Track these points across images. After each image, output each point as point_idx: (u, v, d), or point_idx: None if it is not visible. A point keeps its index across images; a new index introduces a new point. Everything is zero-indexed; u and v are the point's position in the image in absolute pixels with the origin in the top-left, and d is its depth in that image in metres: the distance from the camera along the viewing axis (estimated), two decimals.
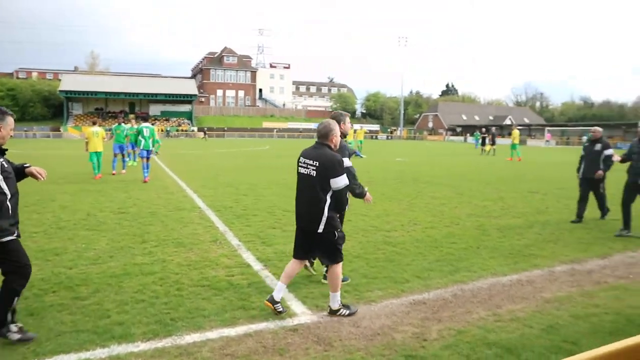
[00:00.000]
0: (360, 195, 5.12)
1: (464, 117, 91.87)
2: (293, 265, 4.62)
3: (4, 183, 3.79)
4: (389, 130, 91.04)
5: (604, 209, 9.33)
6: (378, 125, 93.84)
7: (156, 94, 77.67)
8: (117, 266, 5.83)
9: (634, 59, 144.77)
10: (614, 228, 8.43)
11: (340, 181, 4.34)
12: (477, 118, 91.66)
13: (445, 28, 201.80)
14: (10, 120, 3.93)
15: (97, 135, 15.47)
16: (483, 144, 35.49)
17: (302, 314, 4.48)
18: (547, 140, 63.51)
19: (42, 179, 4.10)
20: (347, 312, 4.44)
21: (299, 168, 4.52)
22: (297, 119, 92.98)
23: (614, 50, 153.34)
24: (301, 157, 4.51)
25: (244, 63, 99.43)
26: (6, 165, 3.88)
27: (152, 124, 17.21)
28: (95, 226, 8.07)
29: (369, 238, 7.49)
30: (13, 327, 3.87)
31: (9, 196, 3.81)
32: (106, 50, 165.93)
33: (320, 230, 4.34)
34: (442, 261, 6.18)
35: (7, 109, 3.97)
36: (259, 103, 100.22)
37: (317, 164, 4.34)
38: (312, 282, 5.34)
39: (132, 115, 20.95)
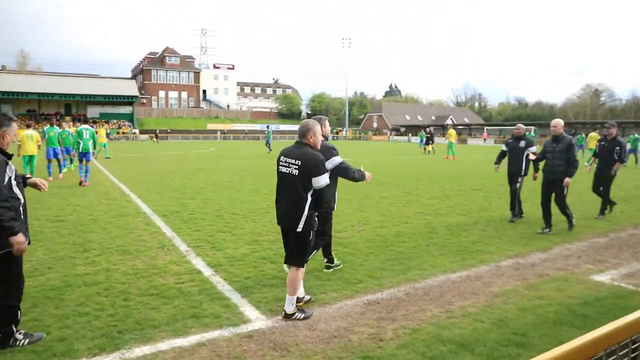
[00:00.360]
0: (361, 177, 5.41)
1: (408, 117, 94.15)
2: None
3: (17, 188, 3.75)
4: (334, 130, 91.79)
5: (514, 209, 9.19)
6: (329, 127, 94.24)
7: (94, 95, 74.34)
8: (57, 278, 5.49)
9: (567, 62, 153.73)
10: (553, 223, 8.86)
11: (322, 180, 4.37)
12: (420, 118, 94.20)
13: (387, 29, 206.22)
14: (14, 126, 3.97)
15: (31, 138, 14.63)
16: (427, 143, 36.54)
17: (256, 319, 4.39)
18: (484, 139, 66.21)
19: (45, 189, 4.25)
20: (302, 315, 4.39)
21: (280, 167, 4.49)
22: (243, 121, 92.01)
23: (549, 52, 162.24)
24: (282, 157, 4.50)
25: (186, 63, 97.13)
26: (17, 171, 3.85)
27: (91, 126, 16.59)
28: (30, 236, 7.55)
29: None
30: (18, 335, 3.91)
31: (22, 201, 3.79)
32: (37, 48, 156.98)
33: (299, 229, 4.36)
34: (393, 260, 6.26)
35: (11, 114, 3.94)
36: (203, 104, 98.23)
37: (300, 163, 4.35)
38: (266, 287, 5.25)
39: (68, 118, 20.09)
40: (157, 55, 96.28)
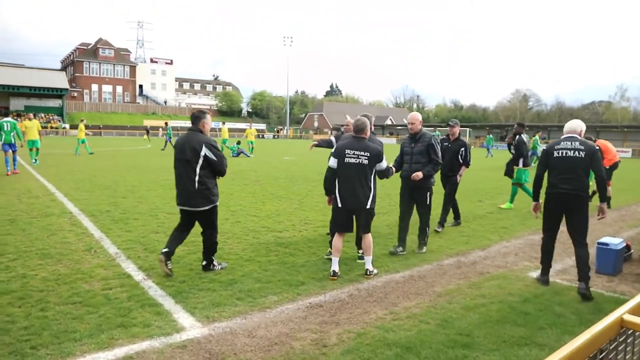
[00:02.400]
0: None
1: (348, 117, 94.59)
2: (339, 240, 5.51)
3: None
4: (275, 129, 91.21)
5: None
6: (264, 125, 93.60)
7: (18, 87, 69.24)
8: None
9: (498, 66, 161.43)
10: (490, 222, 9.08)
11: (384, 164, 5.52)
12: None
13: (329, 28, 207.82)
14: None
15: None
16: None
17: (191, 327, 4.07)
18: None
19: None
20: (375, 271, 5.62)
21: (348, 159, 5.35)
22: (181, 117, 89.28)
23: (481, 56, 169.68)
24: (347, 150, 5.37)
25: (121, 57, 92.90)
26: None
27: (16, 119, 16.55)
28: None
29: (260, 239, 7.21)
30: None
31: None
32: None
33: (368, 206, 5.41)
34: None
35: None
36: (139, 100, 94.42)
37: (369, 154, 5.33)
38: (202, 290, 4.92)
39: None
40: (89, 47, 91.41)
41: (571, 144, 5.09)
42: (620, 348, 1.39)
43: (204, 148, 5.30)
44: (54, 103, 74.69)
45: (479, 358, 3.53)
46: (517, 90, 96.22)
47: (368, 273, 5.45)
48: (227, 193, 11.81)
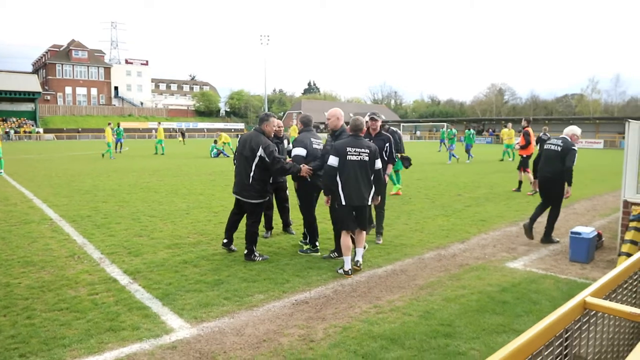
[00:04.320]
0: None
1: (326, 115, 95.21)
2: (347, 238, 5.57)
3: None
4: (253, 128, 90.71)
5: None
6: (243, 124, 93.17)
7: None
8: None
9: (474, 62, 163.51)
10: (469, 215, 9.31)
11: (379, 163, 5.69)
12: None
13: (305, 26, 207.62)
14: None
15: None
16: None
17: (180, 328, 4.13)
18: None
19: None
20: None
21: (350, 156, 5.49)
22: (158, 119, 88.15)
23: (458, 53, 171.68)
24: (348, 147, 5.50)
25: (95, 58, 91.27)
26: None
27: None
28: None
29: (243, 239, 7.26)
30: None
31: None
32: None
33: (369, 202, 5.63)
34: (319, 258, 6.21)
35: None
36: (114, 102, 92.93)
37: (368, 151, 5.55)
38: (189, 292, 4.98)
39: None
40: (62, 49, 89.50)
41: (556, 141, 7.08)
42: (584, 328, 1.53)
43: (260, 149, 5.98)
44: (27, 107, 73.06)
45: (460, 346, 3.68)
46: (493, 85, 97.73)
47: (358, 265, 5.59)
48: (208, 194, 11.82)
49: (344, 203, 5.52)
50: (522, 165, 12.81)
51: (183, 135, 56.69)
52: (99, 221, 8.57)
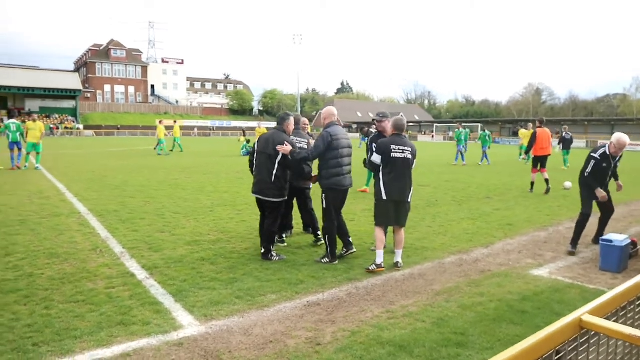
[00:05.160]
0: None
1: (359, 114, 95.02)
2: (382, 232, 5.77)
3: None
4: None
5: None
6: (275, 122, 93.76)
7: (33, 88, 70.35)
8: None
9: (512, 60, 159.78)
10: (496, 219, 9.03)
11: (415, 161, 5.93)
12: (371, 115, 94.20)
13: (340, 26, 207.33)
14: None
15: None
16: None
17: (189, 325, 4.13)
18: (432, 136, 67.91)
19: None
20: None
21: (394, 154, 5.65)
22: (193, 117, 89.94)
23: (494, 52, 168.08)
24: (392, 145, 5.67)
25: (133, 57, 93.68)
26: None
27: (23, 121, 18.34)
28: None
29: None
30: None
31: None
32: None
33: (409, 199, 5.81)
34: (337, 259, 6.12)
35: None
36: (151, 99, 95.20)
37: (411, 149, 5.76)
38: (202, 289, 4.98)
39: (3, 112, 20.28)
40: (101, 48, 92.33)
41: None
42: (580, 350, 1.40)
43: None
44: (68, 104, 75.73)
45: (472, 357, 3.53)
46: (530, 85, 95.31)
47: (399, 265, 5.76)
48: (233, 192, 11.90)
49: (384, 198, 5.67)
50: (534, 166, 12.99)
51: (244, 133, 56.56)
52: (125, 216, 8.73)
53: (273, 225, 6.17)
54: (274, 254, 6.12)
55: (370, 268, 5.63)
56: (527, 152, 13.76)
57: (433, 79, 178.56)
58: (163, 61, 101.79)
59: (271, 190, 6.05)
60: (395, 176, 5.67)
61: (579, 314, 1.39)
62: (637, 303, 1.64)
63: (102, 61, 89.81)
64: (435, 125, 74.28)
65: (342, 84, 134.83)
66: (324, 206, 6.10)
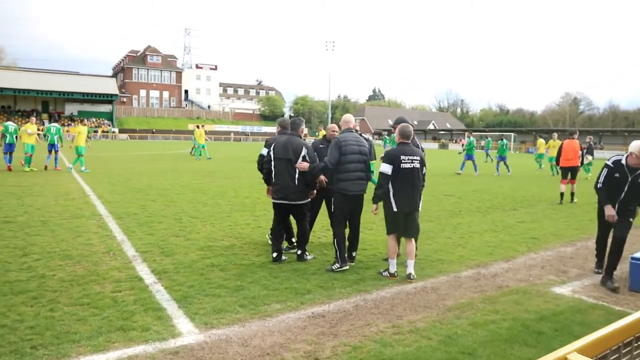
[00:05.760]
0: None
1: (390, 122, 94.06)
2: (394, 242, 5.73)
3: None
4: (316, 133, 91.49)
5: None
6: (306, 129, 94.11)
7: (72, 93, 72.60)
8: None
9: (548, 69, 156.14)
10: (520, 232, 8.67)
11: (425, 169, 5.82)
12: None
13: (372, 33, 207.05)
14: None
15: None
16: None
17: (187, 333, 4.04)
18: (462, 145, 66.64)
19: None
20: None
21: (403, 164, 5.55)
22: (225, 122, 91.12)
23: (530, 60, 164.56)
24: (402, 155, 5.57)
25: (168, 63, 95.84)
26: None
27: (61, 125, 19.81)
28: None
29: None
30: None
31: None
32: (13, 43, 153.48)
33: (420, 208, 5.75)
34: (348, 269, 5.94)
35: None
36: (184, 104, 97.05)
37: (419, 158, 5.66)
38: (208, 296, 4.89)
39: (45, 115, 21.30)
40: (138, 54, 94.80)
41: None
42: None
43: (304, 149, 6.12)
44: (105, 108, 77.88)
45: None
46: (567, 94, 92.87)
47: (412, 277, 5.55)
48: (254, 198, 11.87)
49: (395, 209, 5.59)
50: (563, 177, 12.86)
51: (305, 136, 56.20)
52: (143, 219, 8.78)
53: (306, 224, 6.34)
54: (307, 255, 6.38)
55: (383, 273, 5.71)
56: (556, 163, 13.90)
57: (466, 86, 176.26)
58: (197, 67, 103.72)
59: (296, 194, 6.10)
60: (405, 187, 5.58)
61: (565, 352, 1.22)
62: (636, 344, 1.43)
63: (139, 67, 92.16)
64: (466, 133, 73.06)
65: (374, 90, 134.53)
66: (332, 210, 6.24)
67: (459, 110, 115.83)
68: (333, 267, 5.87)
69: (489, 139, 22.92)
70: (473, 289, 5.34)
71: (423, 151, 6.05)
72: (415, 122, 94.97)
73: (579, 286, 5.64)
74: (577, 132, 13.21)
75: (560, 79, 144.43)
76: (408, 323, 4.28)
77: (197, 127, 27.78)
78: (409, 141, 5.75)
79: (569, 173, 12.71)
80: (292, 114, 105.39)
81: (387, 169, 5.61)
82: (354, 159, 5.98)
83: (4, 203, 10.17)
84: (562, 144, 12.98)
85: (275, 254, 6.16)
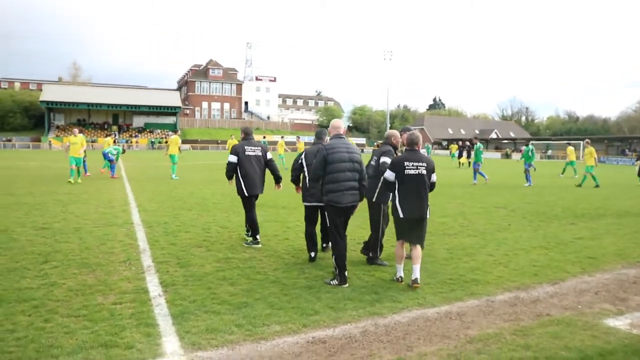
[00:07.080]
0: None
1: (450, 131, 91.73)
2: (401, 248, 5.71)
3: None
4: (375, 143, 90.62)
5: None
6: (364, 139, 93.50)
7: (139, 106, 76.42)
8: None
9: (624, 73, 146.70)
10: (575, 250, 7.74)
11: (435, 176, 5.73)
12: (463, 132, 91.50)
13: (432, 42, 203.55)
14: None
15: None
16: (460, 156, 35.13)
17: (171, 354, 3.69)
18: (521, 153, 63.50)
19: None
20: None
21: (408, 170, 5.47)
22: (283, 132, 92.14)
23: (602, 64, 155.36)
24: (406, 162, 5.50)
25: (229, 75, 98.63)
26: None
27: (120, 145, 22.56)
28: (3, 244, 7.23)
29: (299, 259, 6.72)
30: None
31: None
32: (89, 61, 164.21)
33: (428, 215, 5.64)
34: (366, 288, 5.41)
35: None
36: (244, 116, 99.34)
37: (426, 164, 5.55)
38: (207, 313, 4.54)
39: (115, 127, 22.32)
40: (201, 68, 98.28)
41: None
42: None
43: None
44: (169, 120, 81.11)
45: None
46: None
47: (417, 282, 5.40)
48: (291, 208, 11.51)
49: (402, 216, 5.51)
50: None
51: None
52: (172, 228, 8.65)
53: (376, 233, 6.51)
54: (379, 261, 6.51)
55: (394, 278, 5.74)
56: None
57: (532, 93, 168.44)
58: (257, 79, 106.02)
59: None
60: (410, 193, 5.52)
61: None
62: None
63: (201, 80, 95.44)
64: (530, 142, 69.62)
65: (435, 99, 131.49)
66: (327, 224, 6.13)
67: (523, 118, 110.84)
68: (331, 282, 5.55)
69: (531, 146, 20.88)
70: (506, 317, 4.63)
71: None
72: (477, 132, 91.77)
73: (637, 318, 4.76)
74: None
75: (636, 82, 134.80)
76: (417, 356, 3.68)
77: (281, 137, 28.34)
78: (416, 148, 5.71)
79: None
80: (351, 124, 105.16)
81: (390, 176, 5.59)
82: (344, 167, 5.60)
83: (49, 210, 10.45)
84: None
85: (312, 254, 6.58)
